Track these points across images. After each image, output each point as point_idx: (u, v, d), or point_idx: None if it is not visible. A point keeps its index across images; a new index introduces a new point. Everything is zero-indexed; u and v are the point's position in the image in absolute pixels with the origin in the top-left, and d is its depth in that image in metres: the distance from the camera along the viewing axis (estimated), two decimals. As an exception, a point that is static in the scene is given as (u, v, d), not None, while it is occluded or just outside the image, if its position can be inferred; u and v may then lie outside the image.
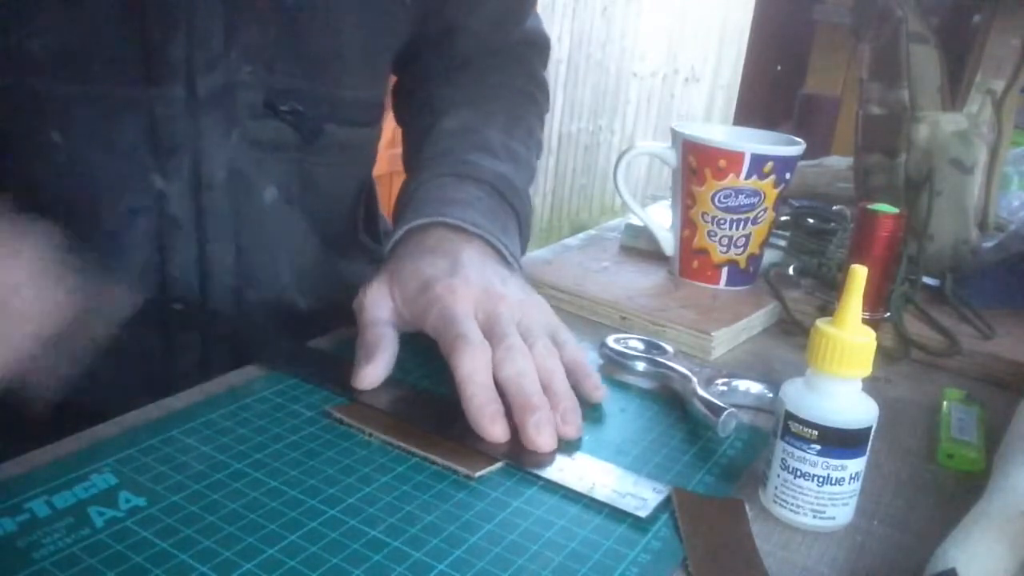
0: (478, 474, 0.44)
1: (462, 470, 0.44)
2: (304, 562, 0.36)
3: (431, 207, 0.60)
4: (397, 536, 0.39)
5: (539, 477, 0.44)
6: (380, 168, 0.81)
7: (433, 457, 0.45)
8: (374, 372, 0.51)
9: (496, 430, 0.46)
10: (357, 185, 0.74)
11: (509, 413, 0.47)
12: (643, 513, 0.42)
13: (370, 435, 0.46)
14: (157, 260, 0.59)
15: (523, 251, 0.68)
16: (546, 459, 0.45)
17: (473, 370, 0.47)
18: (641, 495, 0.43)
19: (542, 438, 0.46)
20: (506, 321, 0.51)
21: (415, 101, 0.76)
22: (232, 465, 0.43)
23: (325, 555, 0.37)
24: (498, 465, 0.45)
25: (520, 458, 0.45)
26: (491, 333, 0.50)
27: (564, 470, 0.45)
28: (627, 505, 0.42)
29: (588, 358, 0.54)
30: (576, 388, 0.50)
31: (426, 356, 0.53)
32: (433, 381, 0.53)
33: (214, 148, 0.59)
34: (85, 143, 0.56)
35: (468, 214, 0.59)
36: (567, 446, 0.47)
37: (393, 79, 0.79)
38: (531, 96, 0.78)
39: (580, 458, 0.46)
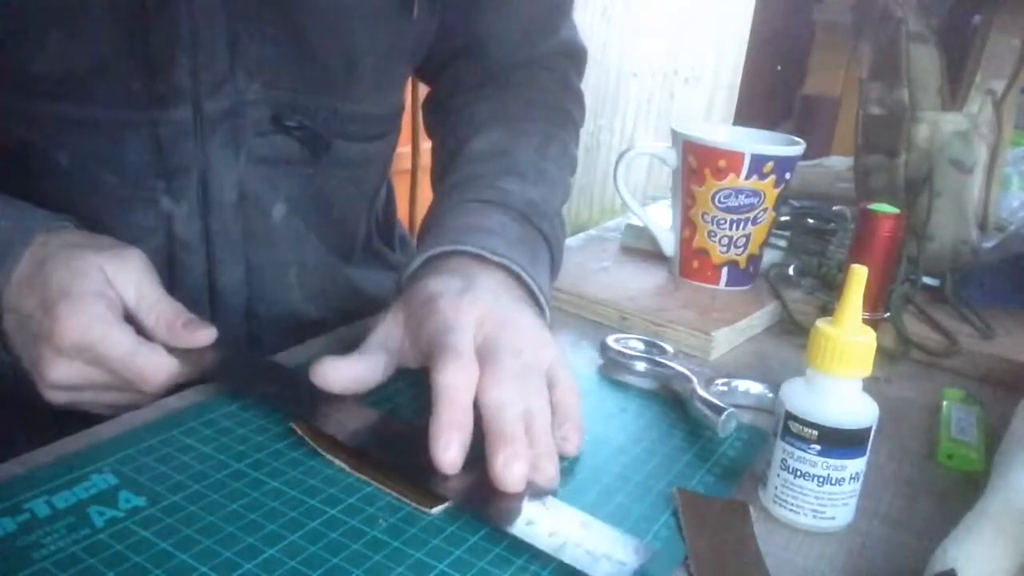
0: (434, 510, 0.40)
1: (420, 507, 0.40)
2: (304, 562, 0.36)
3: (451, 235, 0.56)
4: (397, 536, 0.39)
5: (505, 533, 0.39)
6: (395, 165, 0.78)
7: (387, 490, 0.42)
8: (334, 372, 0.47)
9: (448, 457, 0.40)
10: (368, 197, 0.72)
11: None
12: None
13: (330, 459, 0.43)
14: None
15: (555, 276, 0.63)
16: (513, 508, 0.40)
17: (453, 384, 0.42)
18: (619, 557, 0.37)
19: (509, 475, 0.40)
20: (504, 347, 0.46)
21: (444, 116, 0.73)
22: (232, 465, 0.43)
23: (325, 555, 0.37)
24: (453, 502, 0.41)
25: (483, 505, 0.40)
26: (485, 355, 0.45)
27: (533, 522, 0.39)
28: (600, 571, 0.36)
29: (579, 405, 0.48)
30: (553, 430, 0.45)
31: (404, 380, 0.51)
32: (405, 402, 0.51)
33: (223, 169, 0.58)
34: (91, 165, 0.56)
35: (490, 242, 0.55)
36: (539, 490, 0.41)
37: (425, 89, 0.78)
38: (567, 112, 0.74)
39: (553, 506, 0.40)
